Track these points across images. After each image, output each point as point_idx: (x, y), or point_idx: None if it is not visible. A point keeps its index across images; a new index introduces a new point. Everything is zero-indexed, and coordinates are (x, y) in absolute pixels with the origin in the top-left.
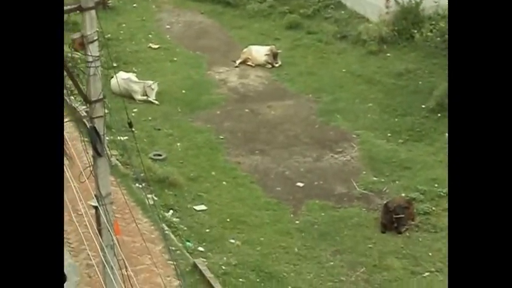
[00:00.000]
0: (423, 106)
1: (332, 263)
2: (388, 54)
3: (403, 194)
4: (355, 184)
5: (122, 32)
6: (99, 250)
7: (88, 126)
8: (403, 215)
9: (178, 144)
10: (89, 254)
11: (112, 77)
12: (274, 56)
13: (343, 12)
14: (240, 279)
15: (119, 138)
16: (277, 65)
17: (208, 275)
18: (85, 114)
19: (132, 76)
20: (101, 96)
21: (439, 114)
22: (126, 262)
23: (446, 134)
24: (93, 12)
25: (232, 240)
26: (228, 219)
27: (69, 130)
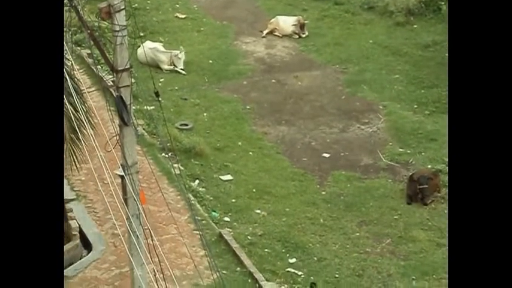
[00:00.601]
0: None
1: (358, 234)
2: (415, 26)
3: (429, 166)
4: (381, 155)
5: (148, 1)
6: (125, 219)
7: (115, 95)
8: (427, 186)
9: (205, 114)
10: (114, 224)
11: (139, 47)
12: (301, 26)
13: None
14: (266, 250)
15: (145, 107)
16: (304, 36)
17: (234, 245)
18: (112, 83)
19: (158, 46)
20: (128, 66)
21: None
22: (151, 231)
23: None
24: None
25: (258, 211)
26: (254, 190)
27: (96, 99)
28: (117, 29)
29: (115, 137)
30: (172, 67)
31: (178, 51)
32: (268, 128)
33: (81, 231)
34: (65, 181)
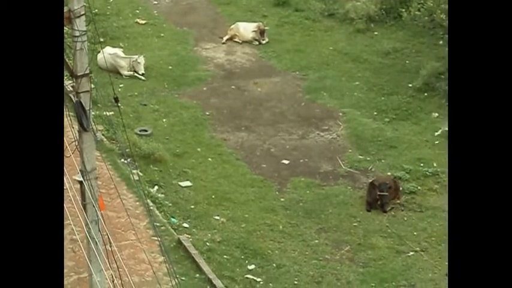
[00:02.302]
0: (410, 85)
1: (317, 241)
2: (376, 33)
3: (388, 173)
4: (340, 162)
5: (109, 7)
6: (84, 225)
7: (74, 100)
8: (387, 193)
9: (164, 120)
10: (73, 229)
11: (99, 52)
12: (262, 32)
13: None
14: (225, 256)
15: (104, 113)
16: (264, 42)
17: (193, 251)
18: (71, 88)
19: (118, 51)
20: (87, 71)
21: (425, 94)
22: (110, 237)
23: (433, 114)
24: None
25: (217, 217)
26: (213, 196)
27: None
28: (77, 34)
29: (74, 143)
30: (132, 73)
31: (137, 56)
32: (227, 134)
33: None
34: None
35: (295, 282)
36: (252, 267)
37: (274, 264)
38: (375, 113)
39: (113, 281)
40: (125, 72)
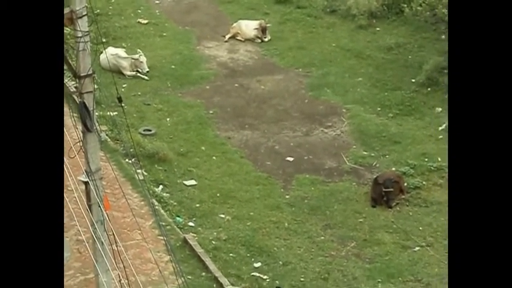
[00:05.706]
0: (413, 80)
1: (322, 238)
2: (378, 29)
3: (393, 169)
4: (345, 158)
5: (111, 7)
6: (89, 226)
7: (77, 101)
8: (392, 189)
9: (168, 119)
10: (79, 230)
11: (101, 53)
12: (264, 30)
13: None
14: (231, 254)
15: (108, 113)
16: (266, 40)
17: (199, 250)
18: (74, 89)
19: (120, 51)
20: (91, 72)
21: (428, 89)
22: (116, 237)
23: (437, 108)
24: None
25: (222, 215)
26: (218, 194)
27: None
28: (80, 35)
29: (78, 143)
30: (134, 73)
31: (138, 55)
32: (231, 133)
33: None
34: None
35: (302, 279)
36: (258, 264)
37: (280, 262)
38: (379, 109)
39: (120, 281)
40: (127, 73)
